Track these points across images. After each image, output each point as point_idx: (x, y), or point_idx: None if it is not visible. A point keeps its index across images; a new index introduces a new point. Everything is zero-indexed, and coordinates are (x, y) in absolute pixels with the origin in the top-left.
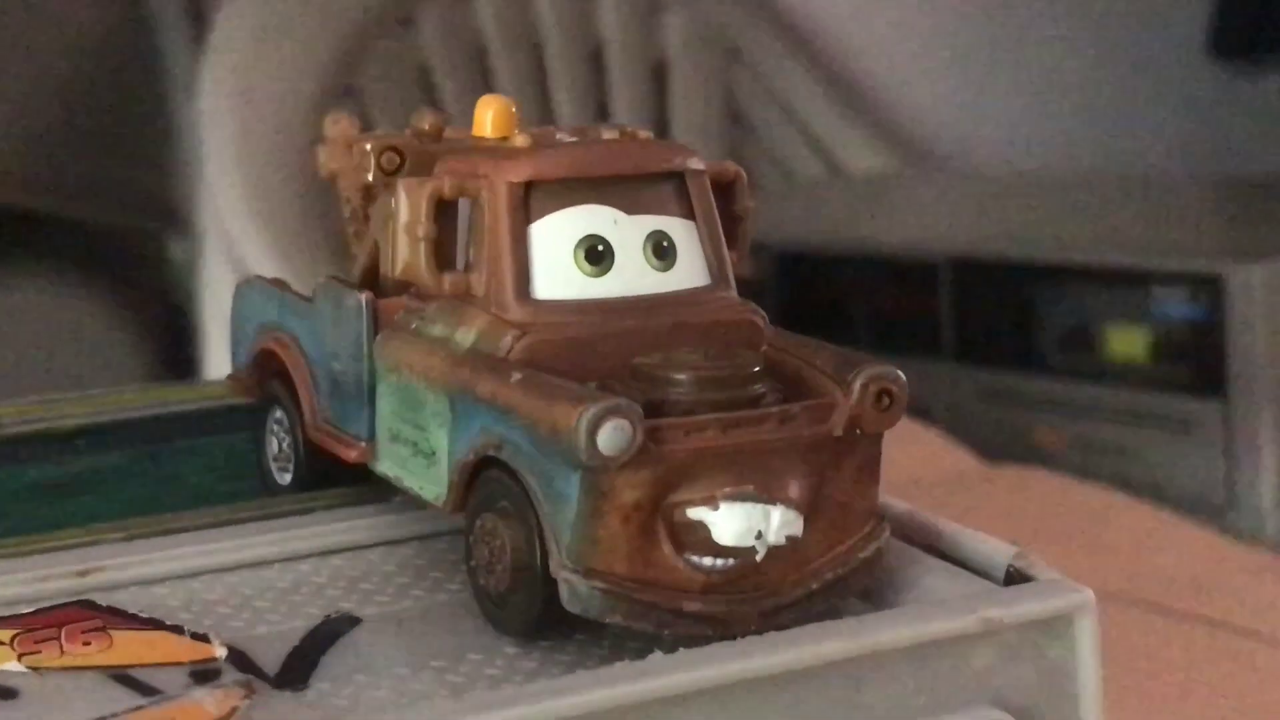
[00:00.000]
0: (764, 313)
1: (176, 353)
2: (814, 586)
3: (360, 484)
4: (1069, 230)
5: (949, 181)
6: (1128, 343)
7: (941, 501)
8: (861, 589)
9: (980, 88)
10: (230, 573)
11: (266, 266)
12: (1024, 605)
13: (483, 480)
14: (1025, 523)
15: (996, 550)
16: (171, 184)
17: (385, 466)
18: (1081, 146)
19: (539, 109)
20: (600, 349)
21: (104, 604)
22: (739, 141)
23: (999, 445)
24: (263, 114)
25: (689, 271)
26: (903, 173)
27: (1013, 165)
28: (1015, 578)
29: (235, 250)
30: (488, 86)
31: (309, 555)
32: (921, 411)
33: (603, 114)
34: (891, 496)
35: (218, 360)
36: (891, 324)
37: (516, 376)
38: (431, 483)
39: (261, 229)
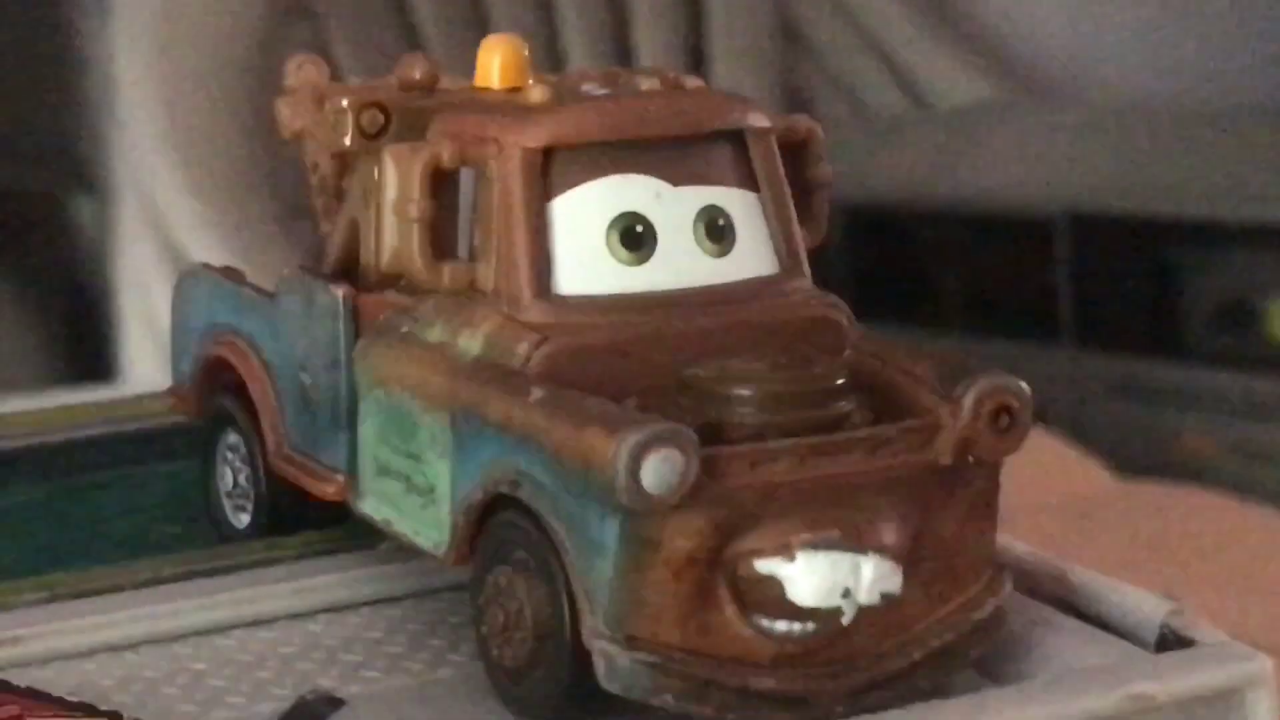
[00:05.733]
0: (847, 307)
1: (86, 350)
2: (916, 656)
3: (338, 527)
4: (1221, 177)
5: (1066, 116)
6: None
7: (1062, 530)
8: (977, 658)
9: None
10: (177, 642)
11: (202, 242)
12: (1183, 677)
13: (495, 525)
14: (1170, 555)
15: (1146, 606)
16: (76, 133)
17: (370, 506)
18: (1233, 72)
19: (536, 21)
20: (641, 358)
21: (20, 684)
22: (794, 64)
23: (1135, 455)
24: (194, 40)
25: (751, 257)
26: (1006, 105)
27: (1147, 95)
28: (1170, 641)
29: (159, 218)
30: (473, 7)
31: (275, 619)
32: (1035, 413)
33: (620, 27)
34: (1005, 533)
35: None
36: (993, 299)
37: (536, 394)
38: (429, 527)
39: (193, 193)
